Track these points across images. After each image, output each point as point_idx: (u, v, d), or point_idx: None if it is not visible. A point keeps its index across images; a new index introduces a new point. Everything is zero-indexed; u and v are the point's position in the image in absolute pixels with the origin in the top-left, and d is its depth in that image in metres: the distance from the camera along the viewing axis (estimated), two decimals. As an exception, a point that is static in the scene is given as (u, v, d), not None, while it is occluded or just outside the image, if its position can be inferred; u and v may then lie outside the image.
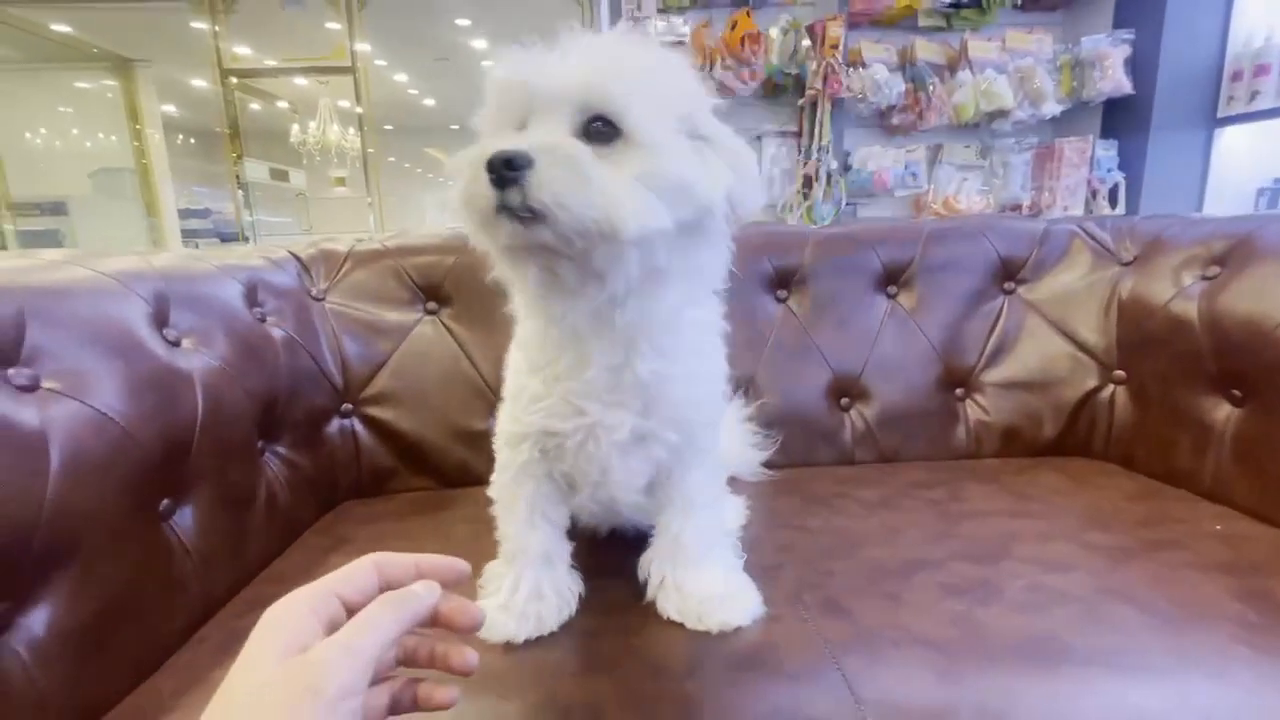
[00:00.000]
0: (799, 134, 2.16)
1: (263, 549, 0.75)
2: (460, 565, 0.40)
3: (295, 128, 6.58)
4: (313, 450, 0.88)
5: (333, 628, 0.32)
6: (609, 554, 0.71)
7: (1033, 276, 1.05)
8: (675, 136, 0.46)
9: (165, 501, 0.61)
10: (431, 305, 1.00)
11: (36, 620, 0.47)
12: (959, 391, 1.05)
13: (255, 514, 0.74)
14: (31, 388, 0.51)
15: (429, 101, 8.22)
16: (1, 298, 0.52)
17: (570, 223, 0.42)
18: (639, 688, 0.51)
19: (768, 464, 0.96)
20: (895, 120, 2.11)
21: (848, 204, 2.14)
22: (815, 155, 2.08)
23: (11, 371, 0.50)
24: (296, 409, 0.85)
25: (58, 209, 5.35)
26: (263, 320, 0.84)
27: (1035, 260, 1.04)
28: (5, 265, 0.59)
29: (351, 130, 6.47)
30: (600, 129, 0.45)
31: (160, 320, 0.67)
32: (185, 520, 0.64)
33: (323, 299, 0.96)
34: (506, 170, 0.41)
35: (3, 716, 0.43)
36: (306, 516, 0.85)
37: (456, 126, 9.46)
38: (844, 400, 1.04)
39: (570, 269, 0.46)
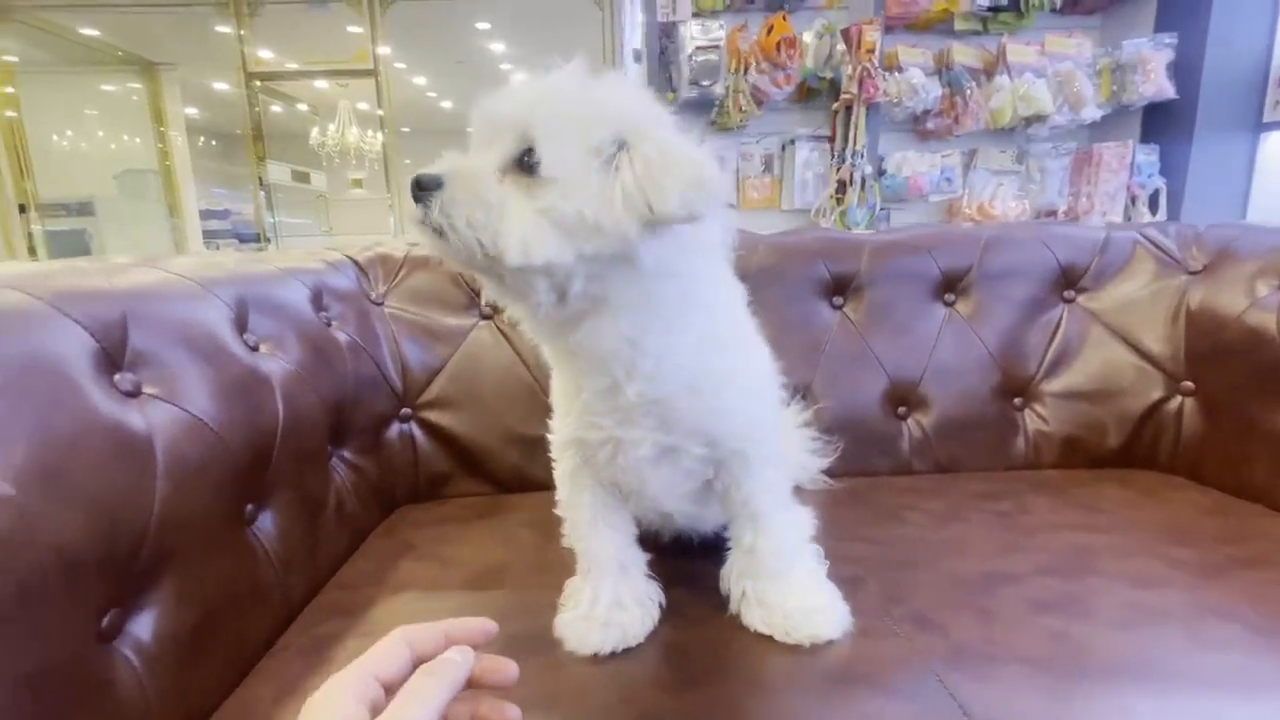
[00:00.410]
0: (832, 138, 2.15)
1: (332, 555, 0.75)
2: (488, 626, 0.40)
3: (315, 130, 6.65)
4: (375, 455, 0.88)
5: (375, 710, 0.32)
6: (680, 561, 0.70)
7: (1094, 285, 1.03)
8: (586, 169, 0.45)
9: (249, 507, 0.62)
10: (488, 310, 1.00)
11: (143, 626, 0.47)
12: (1017, 401, 1.03)
13: (327, 519, 0.74)
14: (135, 393, 0.51)
15: (446, 104, 8.28)
16: (106, 300, 0.52)
17: (458, 242, 0.45)
18: (740, 703, 0.50)
19: (824, 472, 0.95)
20: (930, 125, 2.10)
21: (881, 209, 2.13)
22: (849, 160, 2.07)
23: (118, 377, 0.50)
24: (360, 414, 0.85)
25: (84, 209, 5.43)
26: (328, 325, 0.84)
27: (1096, 268, 1.03)
28: (88, 267, 0.59)
29: (370, 132, 6.52)
30: (529, 160, 0.46)
31: (240, 324, 0.68)
32: (266, 526, 0.64)
33: (382, 303, 0.96)
34: (419, 190, 0.45)
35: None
36: (369, 522, 0.85)
37: (473, 129, 9.56)
38: (901, 409, 1.03)
39: (497, 287, 0.50)
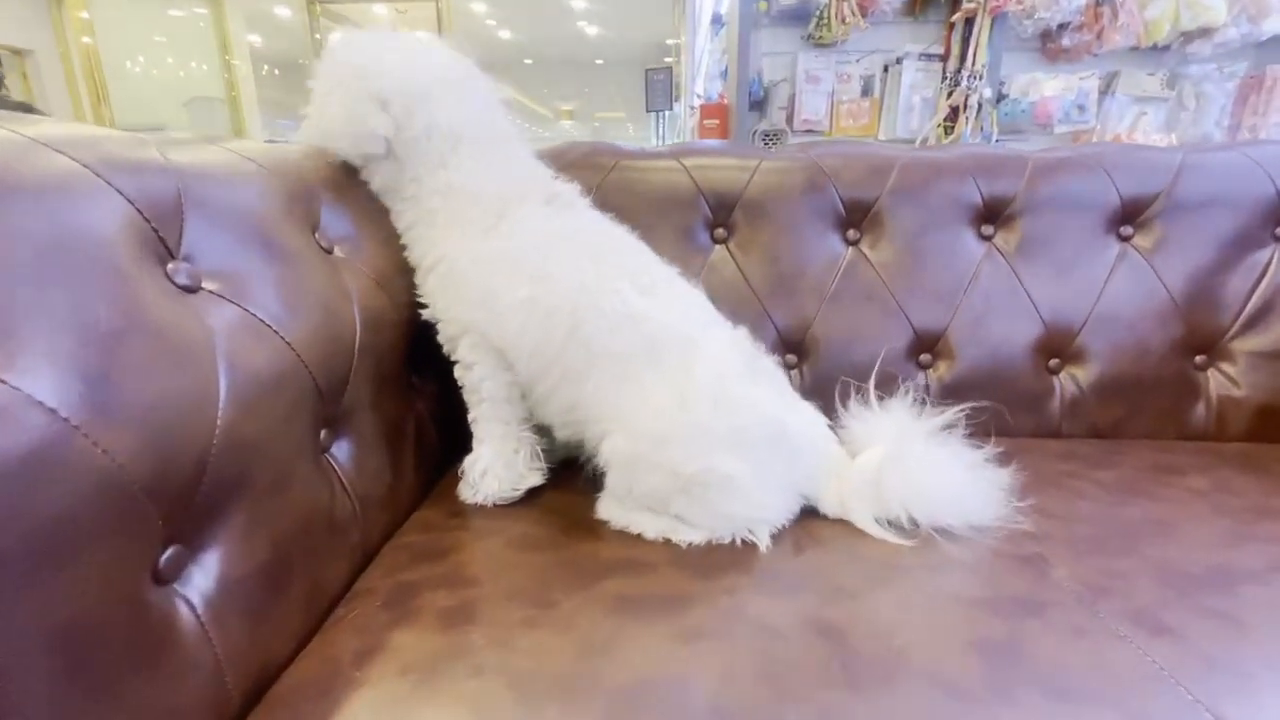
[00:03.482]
0: (946, 57, 1.88)
1: (412, 490, 0.67)
2: None
3: (374, 59, 6.53)
4: (454, 385, 0.79)
5: None
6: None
7: (1321, 219, 0.83)
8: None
9: (324, 432, 0.53)
10: (575, 228, 0.88)
11: (208, 567, 0.39)
12: (1200, 359, 0.86)
13: (406, 451, 0.66)
14: (193, 288, 0.41)
15: (505, 34, 7.99)
16: (158, 175, 0.42)
17: None
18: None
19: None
20: (1065, 41, 1.81)
21: (997, 140, 1.88)
22: (965, 82, 1.81)
23: (172, 266, 0.41)
24: (436, 338, 0.76)
25: (157, 137, 5.54)
26: (406, 234, 0.74)
27: (1327, 199, 0.82)
28: (144, 137, 0.49)
29: (429, 63, 6.37)
30: None
31: (312, 223, 0.58)
32: (343, 455, 0.55)
33: (461, 215, 0.85)
34: None
35: (178, 677, 0.36)
36: (450, 456, 0.77)
37: (530, 61, 9.22)
38: (1053, 361, 0.87)
39: None
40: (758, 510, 0.59)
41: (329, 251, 0.58)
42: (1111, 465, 0.74)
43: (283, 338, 0.46)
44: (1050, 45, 1.87)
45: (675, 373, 0.59)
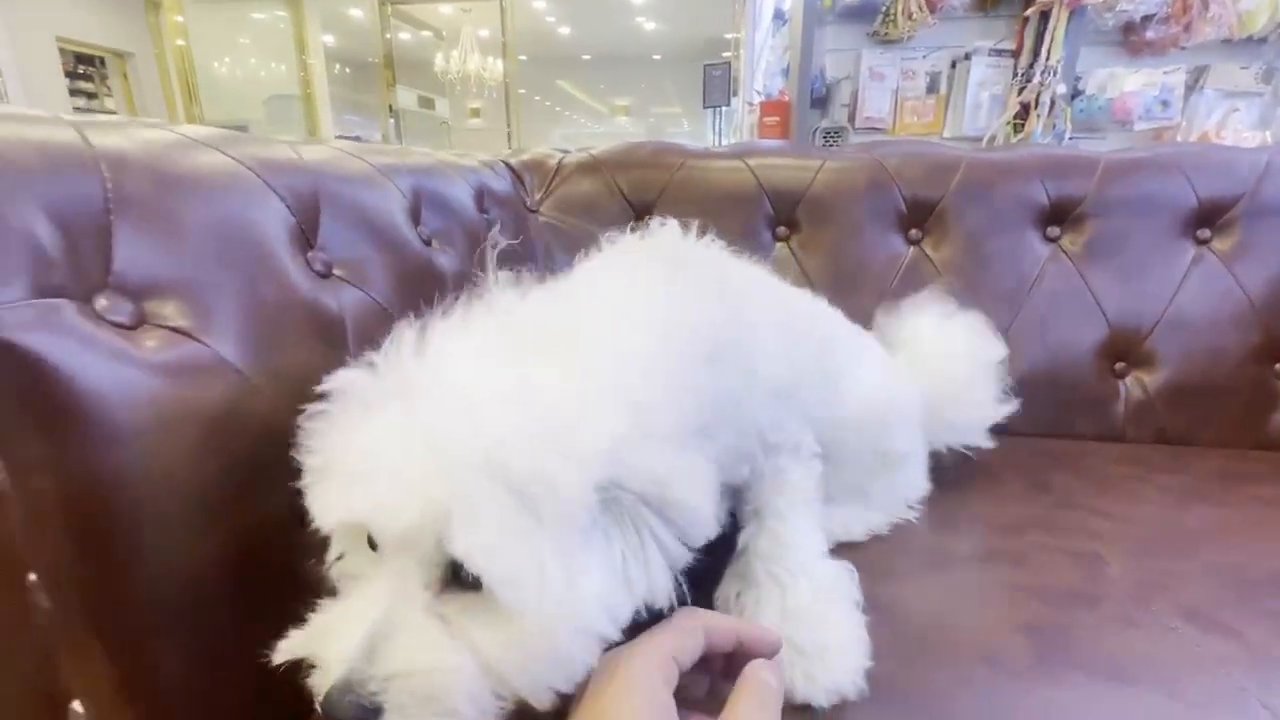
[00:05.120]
0: (1018, 52, 1.84)
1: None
2: (773, 638, 0.37)
3: (439, 56, 6.76)
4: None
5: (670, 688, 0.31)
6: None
7: None
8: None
9: (422, 405, 0.59)
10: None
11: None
12: (1279, 366, 0.84)
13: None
14: (327, 274, 0.48)
15: (564, 30, 8.12)
16: (299, 173, 0.49)
17: None
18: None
19: (1011, 430, 0.82)
20: (1149, 34, 1.73)
21: (1070, 138, 1.82)
22: (1038, 77, 1.77)
23: (311, 254, 0.47)
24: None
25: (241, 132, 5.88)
26: (490, 227, 0.80)
27: None
28: (269, 138, 0.55)
29: (490, 59, 6.54)
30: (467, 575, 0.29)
31: (415, 216, 0.64)
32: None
33: (537, 210, 0.91)
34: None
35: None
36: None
37: (589, 57, 9.34)
38: (1119, 365, 0.86)
39: None
40: (924, 486, 0.65)
41: (428, 243, 0.64)
42: (1176, 470, 0.74)
43: (395, 317, 0.52)
44: (1133, 39, 1.79)
45: (856, 352, 0.61)
